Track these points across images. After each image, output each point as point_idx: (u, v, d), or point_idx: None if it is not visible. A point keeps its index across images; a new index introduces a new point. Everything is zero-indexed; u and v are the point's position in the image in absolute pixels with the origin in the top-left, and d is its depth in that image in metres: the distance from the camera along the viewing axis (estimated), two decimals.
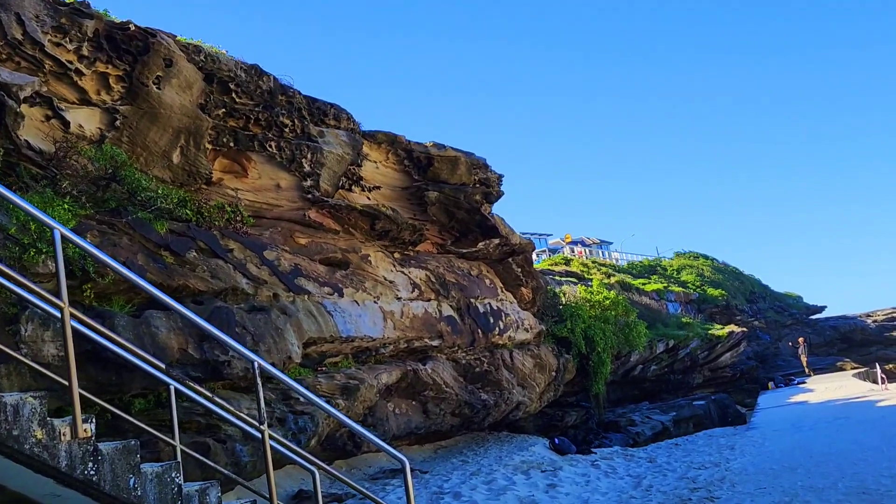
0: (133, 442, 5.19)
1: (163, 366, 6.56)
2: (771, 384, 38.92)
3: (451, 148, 15.74)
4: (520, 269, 18.43)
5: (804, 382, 37.45)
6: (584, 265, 45.48)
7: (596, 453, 18.54)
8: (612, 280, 43.04)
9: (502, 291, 18.02)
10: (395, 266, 15.00)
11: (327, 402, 12.31)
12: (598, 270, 45.14)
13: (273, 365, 11.16)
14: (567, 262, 44.42)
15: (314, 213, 13.62)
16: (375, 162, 15.17)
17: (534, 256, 49.38)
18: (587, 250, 55.99)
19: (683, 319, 43.07)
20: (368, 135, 14.76)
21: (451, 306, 15.87)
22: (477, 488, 13.35)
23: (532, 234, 71.44)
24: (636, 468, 15.82)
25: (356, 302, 13.55)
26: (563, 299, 24.46)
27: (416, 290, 15.15)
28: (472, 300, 16.48)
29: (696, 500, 11.61)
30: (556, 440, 18.45)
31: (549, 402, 21.37)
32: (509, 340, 17.77)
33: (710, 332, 41.58)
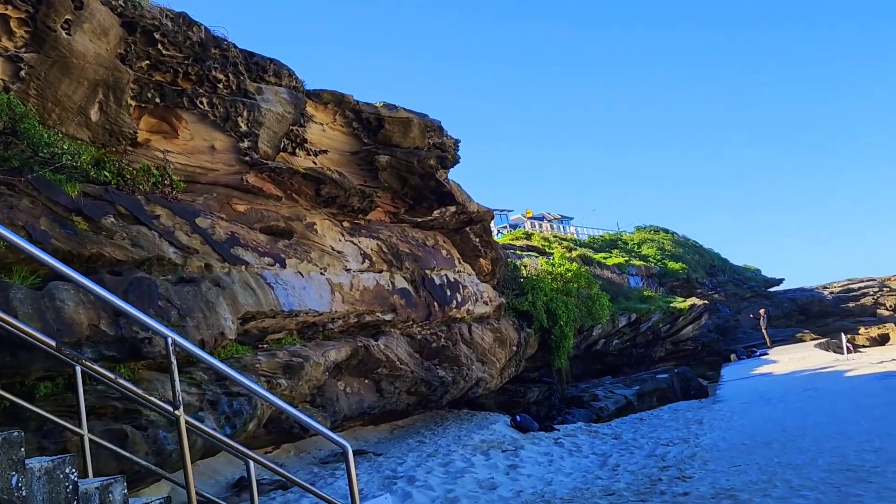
0: (15, 433, 4.05)
1: (53, 343, 5.45)
2: (733, 356, 38.54)
3: (404, 109, 14.62)
4: (478, 240, 17.40)
5: (766, 354, 37.09)
6: (546, 240, 44.74)
7: (559, 430, 17.68)
8: (574, 254, 42.37)
9: (460, 263, 16.99)
10: (343, 235, 13.88)
11: (268, 381, 11.26)
12: (560, 245, 44.41)
13: (202, 342, 10.05)
14: (528, 236, 43.60)
15: (253, 178, 12.43)
16: (322, 124, 14.00)
17: (494, 231, 48.58)
18: (549, 225, 55.23)
19: (645, 293, 42.58)
20: (313, 94, 13.58)
21: (404, 278, 14.81)
22: (433, 471, 12.37)
23: (494, 210, 70.30)
24: (601, 446, 14.97)
25: (300, 273, 12.43)
26: (524, 272, 23.54)
27: (366, 260, 14.06)
28: (428, 272, 15.44)
29: (666, 479, 10.74)
30: (518, 417, 17.55)
31: (511, 377, 20.47)
32: (468, 314, 16.78)
33: (671, 305, 41.13)
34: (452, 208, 15.79)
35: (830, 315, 66.37)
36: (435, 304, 15.37)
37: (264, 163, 12.15)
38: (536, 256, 29.41)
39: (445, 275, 15.97)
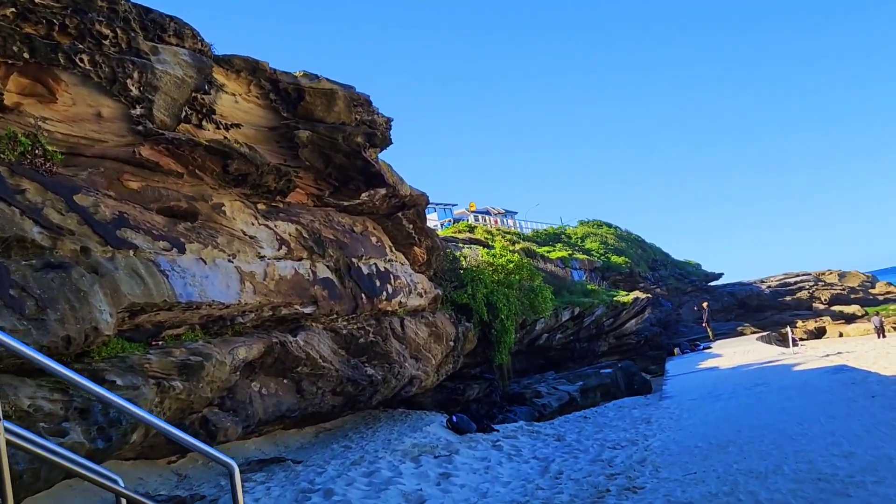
0: None
1: None
2: (677, 350, 37.78)
3: (327, 79, 13.01)
4: (411, 226, 15.87)
5: (710, 347, 36.40)
6: (489, 232, 43.49)
7: (499, 431, 16.31)
8: (517, 247, 41.18)
9: (391, 251, 15.46)
10: (257, 219, 12.25)
11: (158, 384, 9.59)
12: (504, 238, 43.19)
13: (68, 339, 8.38)
14: (471, 229, 42.27)
15: (147, 151, 10.71)
16: (234, 94, 12.31)
17: (438, 225, 47.06)
18: (493, 219, 54.02)
19: (589, 287, 41.65)
20: (223, 59, 11.89)
21: (328, 267, 13.23)
22: (355, 482, 10.85)
23: (437, 205, 69.05)
24: (543, 448, 13.61)
25: (202, 260, 10.77)
26: (464, 263, 22.13)
27: (283, 247, 12.45)
28: (355, 260, 13.87)
29: (615, 490, 9.40)
30: (455, 418, 16.12)
31: (449, 374, 19.04)
32: (400, 307, 15.26)
33: (615, 299, 40.29)
34: (382, 191, 14.23)
35: (768, 308, 66.77)
36: (362, 295, 13.82)
37: (160, 133, 10.44)
38: (478, 248, 28.05)
39: (375, 264, 14.43)
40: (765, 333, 44.49)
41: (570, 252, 47.64)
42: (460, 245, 28.06)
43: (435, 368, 17.43)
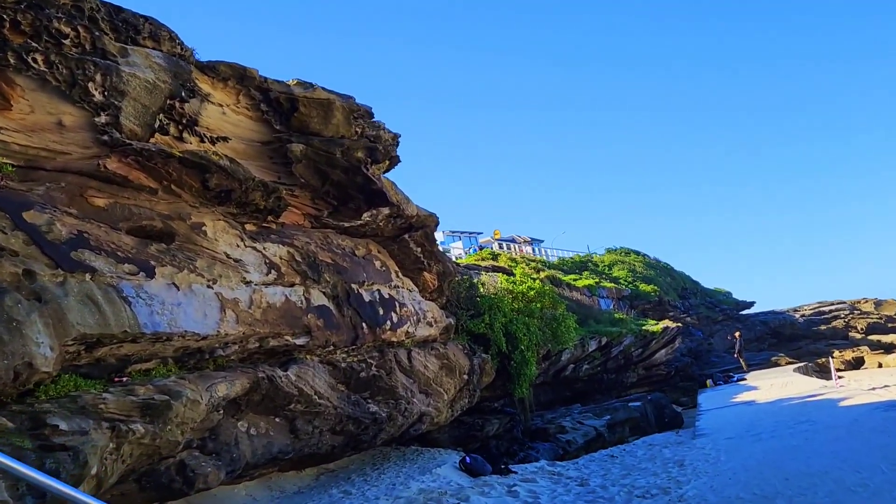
0: None
1: None
2: (709, 382, 35.80)
3: (322, 88, 11.77)
4: (419, 249, 14.51)
5: (744, 379, 34.41)
6: (513, 260, 42.05)
7: (517, 473, 14.75)
8: (542, 275, 39.62)
9: (398, 277, 14.11)
10: (243, 241, 10.97)
11: (113, 427, 8.25)
12: (528, 265, 41.68)
13: None
14: (495, 257, 40.83)
15: (115, 163, 9.49)
16: (221, 105, 11.08)
17: (462, 254, 45.65)
18: (518, 247, 52.57)
19: (616, 315, 39.92)
20: (206, 66, 10.68)
21: (324, 293, 11.89)
22: None
23: (462, 233, 67.85)
24: (564, 496, 12.06)
25: (175, 286, 9.48)
26: (481, 290, 20.71)
27: (273, 271, 11.15)
28: (355, 286, 12.53)
29: None
30: (468, 459, 14.61)
31: (465, 409, 17.55)
32: (407, 337, 13.87)
33: (643, 328, 38.52)
34: (386, 210, 12.90)
35: (802, 338, 64.38)
36: (363, 325, 12.45)
37: (127, 143, 9.23)
38: (497, 275, 26.63)
39: (378, 290, 13.08)
40: (801, 364, 42.31)
41: (596, 280, 46.01)
42: (481, 273, 26.67)
43: (448, 404, 15.97)
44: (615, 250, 60.00)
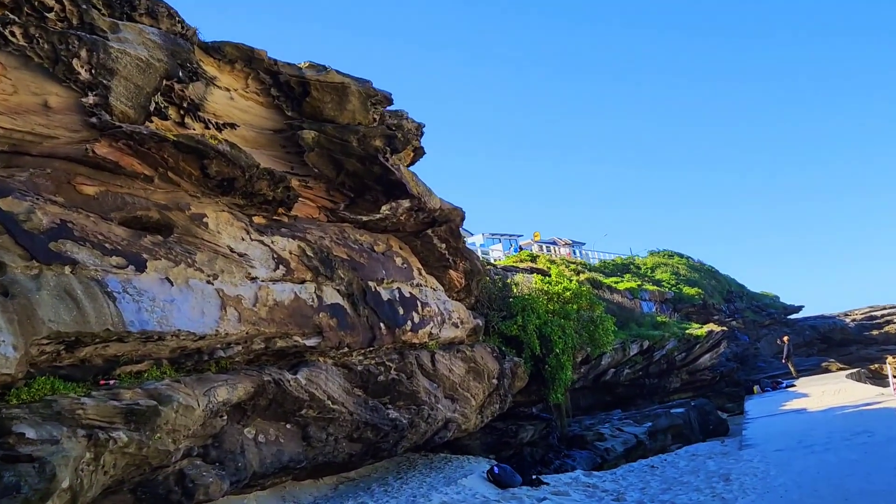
0: None
1: None
2: (756, 388, 34.14)
3: (336, 71, 10.88)
4: (444, 246, 13.54)
5: (793, 385, 32.71)
6: (552, 262, 40.83)
7: (549, 484, 13.68)
8: (582, 277, 38.33)
9: (420, 275, 13.17)
10: (249, 234, 10.13)
11: (90, 436, 7.41)
12: (567, 267, 40.44)
13: None
14: (533, 258, 39.67)
15: (104, 148, 8.70)
16: (229, 90, 10.26)
17: (502, 256, 44.57)
18: (557, 249, 51.31)
19: (659, 318, 38.44)
20: (210, 47, 9.87)
21: (337, 291, 11.00)
22: None
23: (503, 235, 66.74)
24: None
25: (169, 281, 8.66)
26: (515, 291, 19.66)
27: (281, 267, 10.29)
28: (373, 284, 11.61)
29: None
30: (496, 469, 13.59)
31: (496, 416, 16.52)
32: (430, 338, 12.91)
33: (687, 331, 36.99)
34: (406, 202, 11.97)
35: (853, 343, 61.95)
36: (381, 325, 11.53)
37: (117, 126, 8.43)
38: (532, 276, 25.53)
39: (398, 289, 12.15)
40: (854, 370, 40.32)
41: (639, 283, 44.53)
42: (516, 273, 25.60)
43: (476, 410, 14.97)
44: (658, 252, 58.31)
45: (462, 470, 14.60)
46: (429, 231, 13.03)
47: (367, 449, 12.21)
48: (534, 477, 13.94)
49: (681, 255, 59.17)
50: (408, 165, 13.69)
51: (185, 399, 8.34)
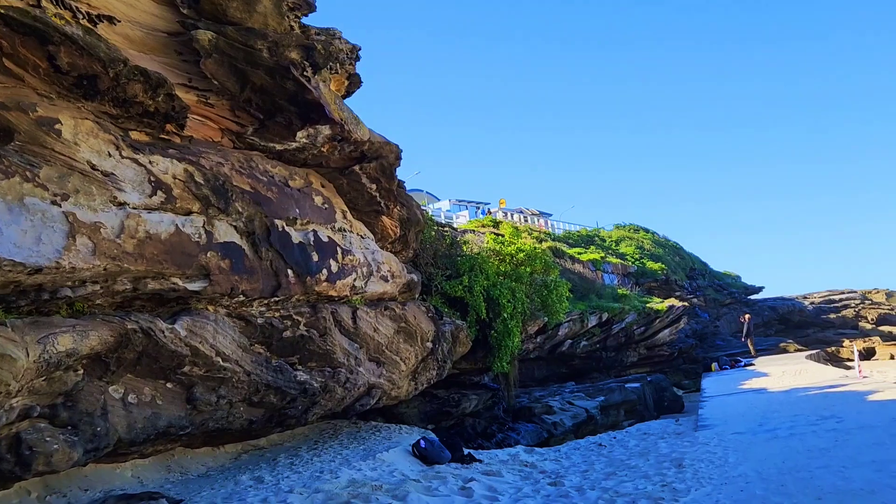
0: None
1: None
2: (715, 365, 32.82)
3: None
4: (374, 186, 11.56)
5: (752, 364, 31.40)
6: (515, 228, 39.09)
7: (482, 461, 11.95)
8: (544, 245, 36.64)
9: (345, 218, 11.21)
10: (119, 149, 8.09)
11: None
12: (529, 235, 38.71)
13: None
14: (496, 224, 37.91)
15: None
16: None
17: (465, 222, 42.64)
18: (521, 217, 49.56)
19: (620, 291, 36.97)
20: None
21: (234, 228, 9.02)
22: None
23: (469, 202, 64.72)
24: (529, 500, 9.23)
25: None
26: (466, 250, 17.81)
27: (160, 193, 8.28)
28: (280, 223, 9.63)
29: None
30: (423, 442, 11.80)
31: (432, 383, 14.73)
32: (353, 293, 10.99)
33: (648, 305, 35.60)
34: (326, 129, 9.96)
35: (811, 325, 61.40)
36: (289, 272, 9.58)
37: None
38: (486, 234, 23.66)
39: (314, 231, 10.18)
40: (814, 352, 39.24)
41: (602, 255, 43.03)
42: (468, 232, 23.74)
43: (408, 375, 13.15)
44: (624, 226, 56.89)
45: (388, 442, 12.82)
46: (356, 168, 11.03)
47: (270, 415, 10.34)
48: (466, 453, 12.20)
49: (646, 230, 57.86)
50: (344, 97, 11.72)
51: (3, 347, 6.40)
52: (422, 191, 56.50)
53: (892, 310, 63.76)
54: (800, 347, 44.51)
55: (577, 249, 41.75)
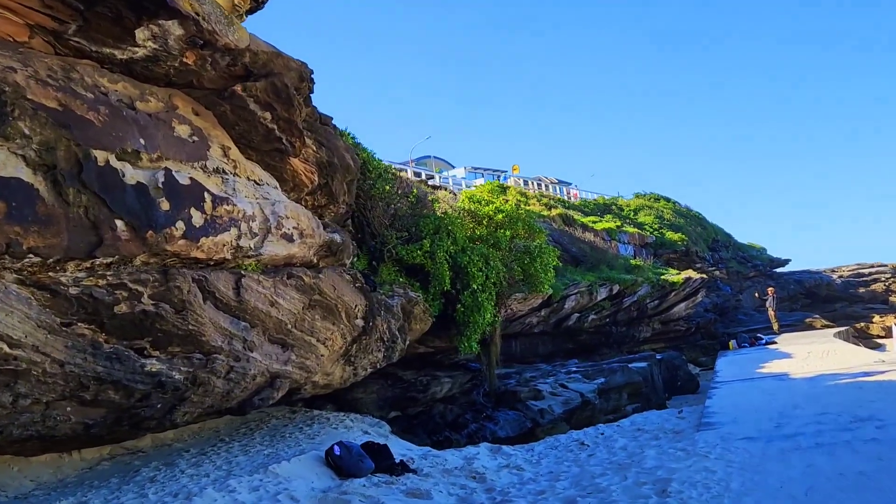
0: None
1: None
2: (733, 343, 29.50)
3: None
4: (269, 116, 8.53)
5: (774, 342, 28.09)
6: (523, 195, 35.98)
7: (415, 473, 9.10)
8: (554, 212, 33.48)
9: (226, 157, 8.28)
10: None
11: None
12: (538, 201, 35.53)
13: None
14: (504, 190, 34.82)
15: None
16: None
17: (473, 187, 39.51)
18: (534, 183, 46.31)
19: (633, 262, 33.74)
20: None
21: (22, 158, 6.16)
22: None
23: (486, 170, 61.42)
24: None
25: None
26: (437, 209, 14.84)
27: None
28: (104, 155, 6.73)
29: None
30: (338, 449, 8.89)
31: (379, 367, 11.88)
32: (236, 255, 8.09)
33: (662, 277, 32.37)
34: (176, 28, 6.97)
35: (839, 300, 57.62)
36: (117, 223, 6.71)
37: None
38: (462, 193, 20.58)
39: (167, 170, 7.27)
40: (842, 329, 35.73)
41: (618, 224, 39.78)
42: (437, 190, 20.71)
43: (336, 360, 10.28)
44: (644, 195, 53.35)
45: (309, 443, 10.03)
46: (238, 89, 8.10)
47: (118, 416, 7.55)
48: (398, 461, 9.33)
49: (668, 200, 54.26)
50: (249, 12, 8.80)
51: None
52: (430, 156, 53.36)
53: None
54: (826, 323, 40.97)
55: (593, 218, 38.62)
